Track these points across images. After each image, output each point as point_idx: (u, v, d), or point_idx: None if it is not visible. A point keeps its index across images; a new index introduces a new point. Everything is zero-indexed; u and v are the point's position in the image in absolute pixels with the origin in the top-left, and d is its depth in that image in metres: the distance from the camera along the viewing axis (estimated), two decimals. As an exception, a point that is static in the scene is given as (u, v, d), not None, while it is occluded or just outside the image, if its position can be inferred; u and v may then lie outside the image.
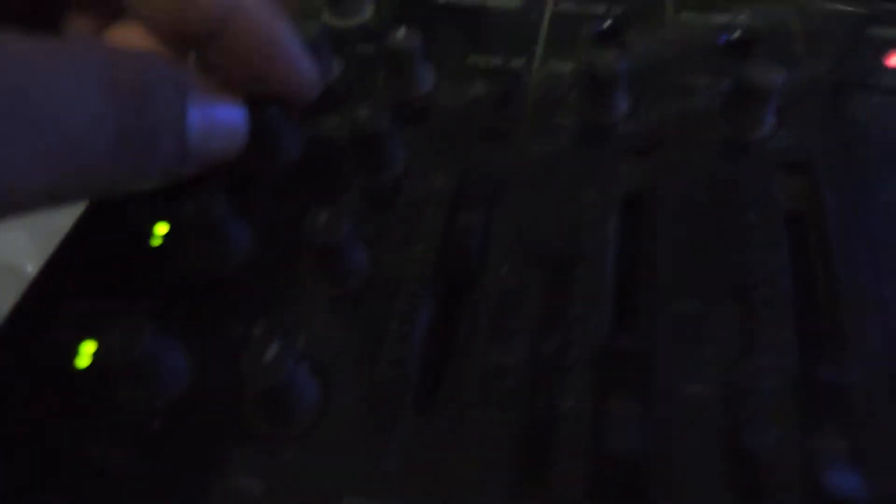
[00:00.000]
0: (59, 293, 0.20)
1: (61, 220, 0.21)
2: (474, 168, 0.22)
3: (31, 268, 0.29)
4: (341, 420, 0.17)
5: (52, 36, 0.15)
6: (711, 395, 0.17)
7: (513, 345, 0.18)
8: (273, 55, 0.19)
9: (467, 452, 0.16)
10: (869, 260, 0.19)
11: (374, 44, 0.26)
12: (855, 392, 0.17)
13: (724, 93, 0.23)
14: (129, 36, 0.19)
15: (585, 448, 0.16)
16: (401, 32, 0.23)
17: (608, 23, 0.26)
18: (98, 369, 0.18)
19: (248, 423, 0.17)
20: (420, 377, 0.18)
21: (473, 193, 0.21)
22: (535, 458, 0.16)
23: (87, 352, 0.18)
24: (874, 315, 0.18)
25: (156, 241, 0.21)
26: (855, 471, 0.15)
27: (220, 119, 0.18)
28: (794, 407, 0.16)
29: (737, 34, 0.26)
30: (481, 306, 0.19)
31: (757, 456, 0.16)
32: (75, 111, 0.14)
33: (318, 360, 0.18)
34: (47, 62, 0.14)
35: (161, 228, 0.21)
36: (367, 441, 0.17)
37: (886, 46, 0.25)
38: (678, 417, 0.17)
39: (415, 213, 0.21)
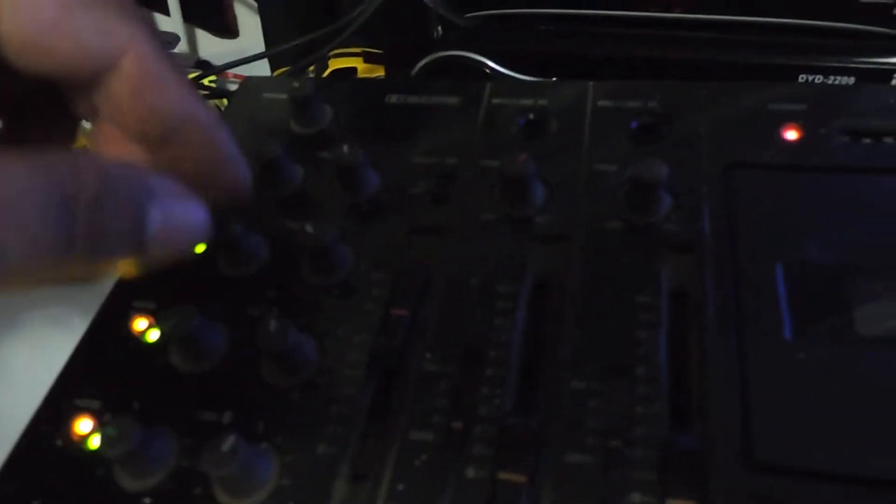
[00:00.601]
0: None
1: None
2: (409, 264, 0.26)
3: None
4: (291, 491, 0.21)
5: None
6: (592, 462, 0.20)
7: (429, 423, 0.22)
8: (219, 159, 0.22)
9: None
10: (737, 337, 0.22)
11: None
12: (710, 458, 0.20)
13: (625, 182, 0.26)
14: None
15: (482, 512, 0.20)
16: (345, 147, 0.27)
17: (531, 115, 0.30)
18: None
19: (218, 498, 0.21)
20: (355, 452, 0.22)
21: (406, 288, 0.25)
22: (443, 521, 0.20)
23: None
24: (734, 390, 0.21)
25: (148, 341, 0.25)
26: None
27: (180, 220, 0.20)
28: (657, 472, 0.20)
29: (646, 119, 0.29)
30: (407, 390, 0.23)
31: (622, 516, 0.19)
32: (22, 228, 0.16)
33: (277, 440, 0.22)
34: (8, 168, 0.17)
35: (151, 335, 0.25)
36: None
37: (784, 119, 0.28)
38: (560, 484, 0.20)
39: (357, 308, 0.25)
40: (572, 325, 0.23)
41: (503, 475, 0.20)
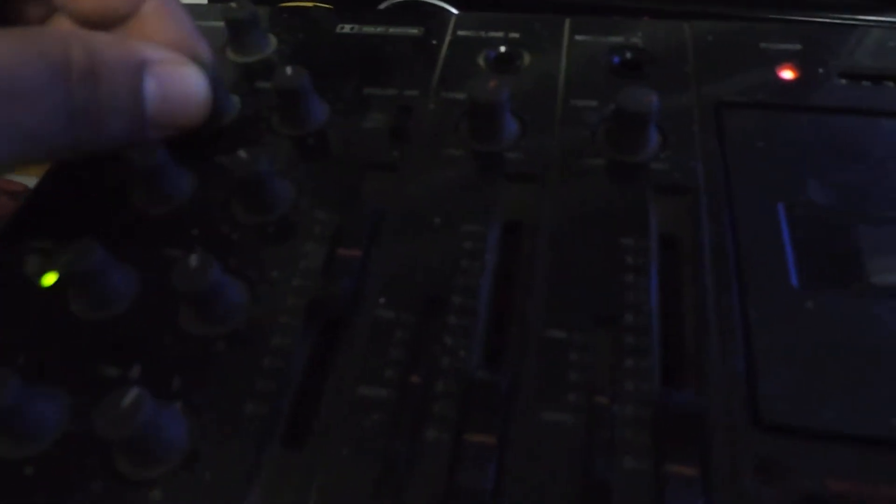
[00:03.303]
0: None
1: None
2: (359, 203, 0.22)
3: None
4: (209, 457, 0.17)
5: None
6: (573, 422, 0.17)
7: (382, 378, 0.18)
8: (182, 30, 0.22)
9: (330, 486, 0.17)
10: (738, 284, 0.19)
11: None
12: (711, 418, 0.17)
13: (607, 117, 0.23)
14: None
15: (442, 480, 0.16)
16: (288, 70, 0.23)
17: (503, 49, 0.27)
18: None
19: (117, 466, 0.17)
20: (290, 412, 0.18)
21: (355, 228, 0.21)
22: (393, 489, 0.16)
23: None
24: (736, 339, 0.18)
25: (46, 285, 0.21)
26: (704, 497, 0.16)
27: (178, 87, 0.20)
28: (650, 434, 0.17)
29: (628, 55, 0.26)
30: (355, 341, 0.19)
31: (610, 485, 0.16)
32: (27, 95, 0.16)
33: (194, 400, 0.18)
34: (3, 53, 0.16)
35: (49, 279, 0.21)
36: (233, 477, 0.17)
37: (778, 59, 0.26)
38: (536, 446, 0.17)
39: (295, 249, 0.21)
40: (549, 270, 0.20)
41: (469, 437, 0.17)
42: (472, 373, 0.18)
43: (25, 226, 0.23)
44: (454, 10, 0.37)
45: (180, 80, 0.20)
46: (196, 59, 0.22)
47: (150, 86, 0.19)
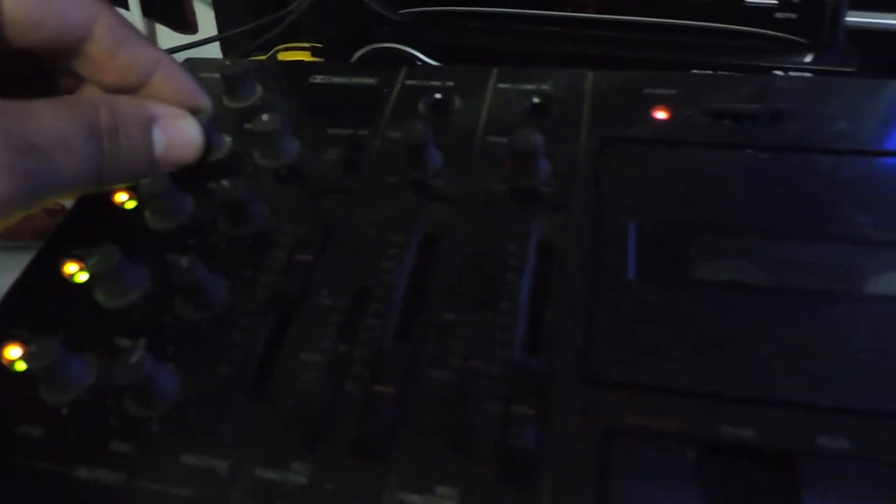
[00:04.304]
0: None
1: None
2: (315, 219, 0.29)
3: None
4: (193, 403, 0.24)
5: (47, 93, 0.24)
6: (452, 378, 0.24)
7: (318, 347, 0.25)
8: (186, 89, 0.29)
9: (280, 424, 0.23)
10: (589, 280, 0.26)
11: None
12: (554, 377, 0.23)
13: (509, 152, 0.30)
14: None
15: (354, 421, 0.23)
16: (265, 116, 0.30)
17: (438, 95, 0.33)
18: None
19: (128, 408, 0.24)
20: (254, 371, 0.25)
21: (310, 239, 0.28)
22: (323, 426, 0.23)
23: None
24: (580, 322, 0.25)
25: (78, 281, 0.28)
26: (537, 431, 0.22)
27: (179, 135, 0.27)
28: (506, 387, 0.23)
29: (536, 100, 0.33)
30: (302, 321, 0.26)
31: (474, 422, 0.22)
32: (68, 151, 0.23)
33: (183, 362, 0.25)
34: (49, 117, 0.23)
35: (80, 277, 0.28)
36: (211, 415, 0.24)
37: (655, 101, 0.32)
38: (424, 395, 0.23)
39: (265, 255, 0.28)
40: (452, 270, 0.27)
41: (376, 388, 0.23)
42: (384, 344, 0.25)
43: (64, 236, 0.30)
44: (420, 56, 0.44)
45: (181, 130, 0.27)
46: (198, 110, 0.29)
47: (158, 135, 0.26)
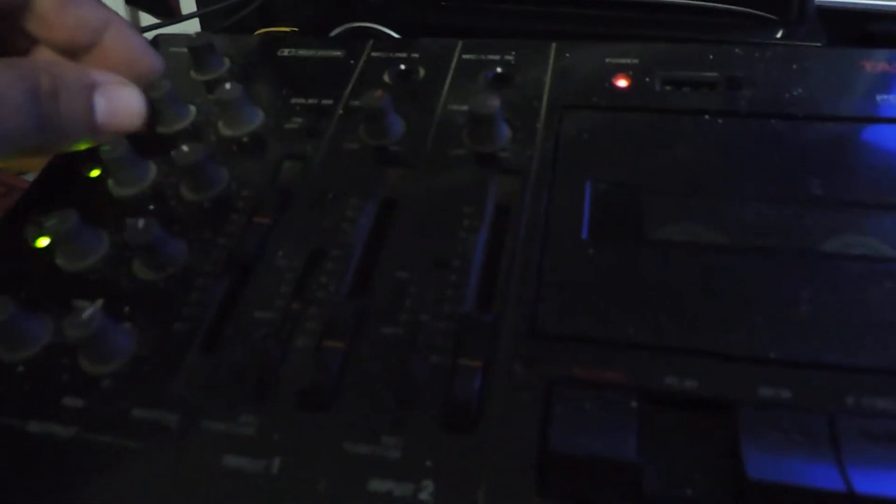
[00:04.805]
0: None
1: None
2: (274, 183, 0.29)
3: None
4: (147, 360, 0.24)
5: None
6: (401, 333, 0.24)
7: (272, 305, 0.25)
8: (138, 51, 0.29)
9: (229, 378, 0.23)
10: (542, 240, 0.26)
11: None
12: (501, 330, 0.23)
13: (469, 119, 0.30)
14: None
15: (304, 373, 0.23)
16: (227, 85, 0.31)
17: (402, 66, 0.34)
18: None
19: (81, 365, 0.24)
20: (207, 329, 0.25)
21: (268, 202, 0.28)
22: (273, 379, 0.23)
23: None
24: (532, 276, 0.25)
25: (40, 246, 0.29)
26: (481, 382, 0.22)
27: (120, 103, 0.26)
28: (454, 341, 0.23)
29: (499, 70, 0.33)
30: (257, 280, 0.26)
31: (420, 376, 0.23)
32: (7, 108, 0.23)
33: (139, 320, 0.25)
34: None
35: (41, 242, 0.29)
36: (163, 370, 0.24)
37: (616, 71, 0.32)
38: (373, 351, 0.23)
39: (224, 218, 0.28)
40: (408, 231, 0.27)
41: (326, 343, 0.23)
42: (336, 301, 0.25)
43: (27, 204, 0.30)
44: (394, 35, 0.44)
45: (122, 98, 0.27)
46: (149, 72, 0.29)
47: (100, 101, 0.26)
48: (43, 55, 0.28)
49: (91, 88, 0.25)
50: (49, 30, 0.27)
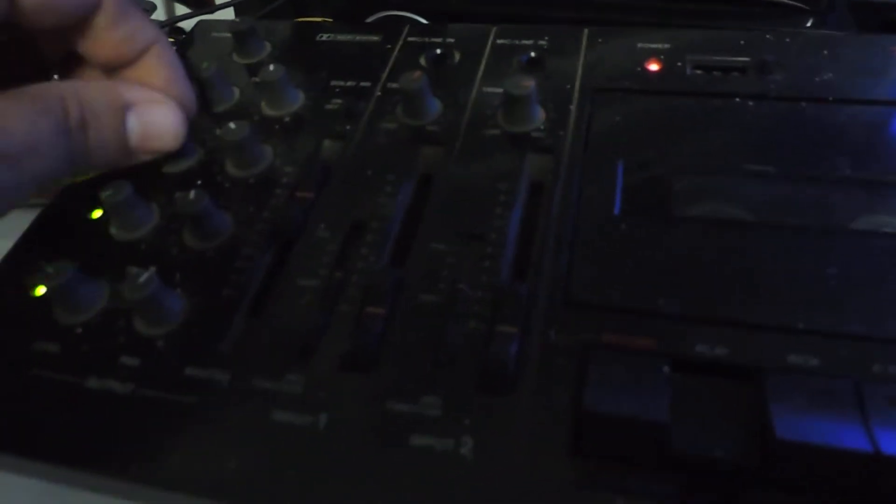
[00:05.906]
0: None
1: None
2: (317, 161, 0.30)
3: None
4: (196, 323, 0.25)
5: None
6: (439, 301, 0.25)
7: (315, 274, 0.26)
8: (175, 77, 0.28)
9: (276, 341, 0.25)
10: (575, 215, 0.27)
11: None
12: (537, 300, 0.24)
13: (503, 100, 0.31)
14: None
15: (347, 338, 0.24)
16: (271, 66, 0.32)
17: (438, 50, 0.35)
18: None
19: (136, 326, 0.26)
20: (254, 295, 0.26)
21: (310, 178, 0.29)
22: (317, 342, 0.24)
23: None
24: (565, 249, 0.26)
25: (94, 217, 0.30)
26: (517, 346, 0.23)
27: (156, 123, 0.26)
28: (491, 309, 0.24)
29: (533, 54, 0.34)
30: (300, 251, 0.27)
31: (457, 340, 0.24)
32: (39, 147, 0.22)
33: (189, 287, 0.27)
34: (15, 118, 0.21)
35: (96, 213, 0.30)
36: (213, 333, 0.25)
37: (648, 55, 0.33)
38: (413, 317, 0.25)
39: (268, 193, 0.29)
40: (444, 206, 0.28)
41: (368, 309, 0.24)
42: (377, 270, 0.26)
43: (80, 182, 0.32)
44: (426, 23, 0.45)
45: (158, 117, 0.26)
46: (181, 98, 0.28)
47: (133, 123, 0.25)
48: (58, 83, 0.26)
49: (124, 109, 0.24)
50: (96, 44, 0.26)
